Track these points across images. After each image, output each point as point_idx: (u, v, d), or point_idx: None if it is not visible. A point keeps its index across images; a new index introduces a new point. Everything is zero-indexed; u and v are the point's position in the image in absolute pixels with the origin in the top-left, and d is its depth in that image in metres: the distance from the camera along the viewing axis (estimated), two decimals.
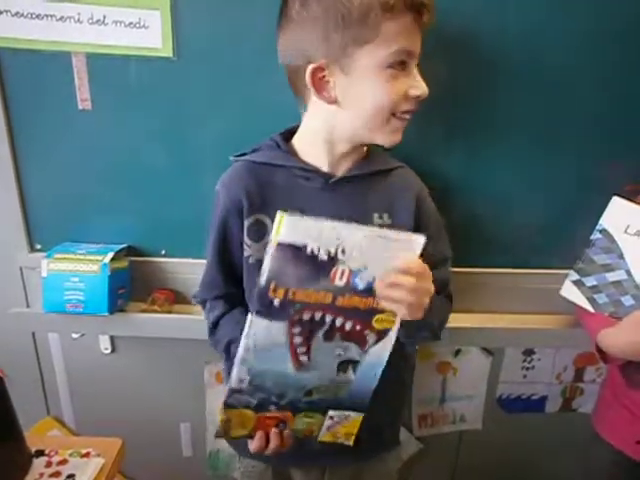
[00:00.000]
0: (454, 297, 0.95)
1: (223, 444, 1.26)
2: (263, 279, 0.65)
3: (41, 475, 0.70)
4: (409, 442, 1.30)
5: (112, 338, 1.21)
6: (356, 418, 0.77)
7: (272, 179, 0.83)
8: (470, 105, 1.01)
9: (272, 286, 0.65)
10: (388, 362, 0.85)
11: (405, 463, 1.31)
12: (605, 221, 0.98)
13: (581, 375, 1.26)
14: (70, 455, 0.74)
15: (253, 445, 0.76)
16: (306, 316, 0.68)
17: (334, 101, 0.76)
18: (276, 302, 0.66)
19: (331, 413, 0.76)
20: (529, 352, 1.24)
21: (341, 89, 0.75)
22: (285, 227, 0.62)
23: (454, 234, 0.98)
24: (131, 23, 0.93)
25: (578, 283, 1.01)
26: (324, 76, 0.75)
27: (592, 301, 0.99)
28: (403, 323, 0.70)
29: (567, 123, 1.03)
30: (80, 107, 1.00)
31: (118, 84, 0.98)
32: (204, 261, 0.97)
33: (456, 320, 1.04)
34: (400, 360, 0.91)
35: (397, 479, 1.03)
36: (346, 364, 0.72)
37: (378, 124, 0.77)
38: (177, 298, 1.13)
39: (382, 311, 0.69)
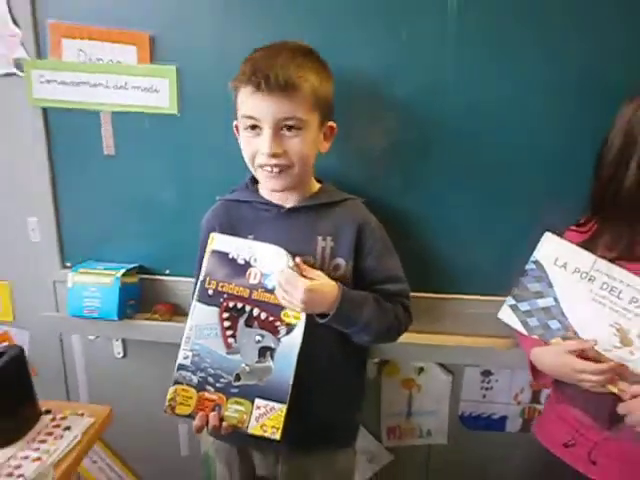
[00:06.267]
0: (420, 318, 1.14)
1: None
2: (202, 275, 0.98)
3: (46, 426, 0.93)
4: (380, 453, 1.43)
5: (124, 343, 1.42)
6: (279, 411, 0.94)
7: (241, 212, 1.07)
8: (429, 156, 1.19)
9: (207, 279, 0.98)
10: (331, 364, 1.04)
11: (377, 474, 1.45)
12: (538, 254, 1.12)
13: (538, 397, 1.36)
14: (69, 414, 0.97)
15: (195, 423, 0.95)
16: (231, 304, 0.97)
17: None
18: (210, 292, 0.97)
19: (257, 402, 0.95)
20: (487, 373, 1.36)
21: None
22: (216, 241, 0.99)
23: (414, 263, 1.16)
24: (146, 88, 1.20)
25: (514, 307, 1.14)
26: (237, 127, 1.02)
27: (525, 324, 1.12)
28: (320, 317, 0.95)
29: (515, 174, 1.18)
30: (105, 152, 1.26)
31: (135, 135, 1.25)
32: None
33: (418, 338, 1.23)
34: (342, 364, 1.08)
35: None
36: (265, 350, 0.96)
37: (254, 171, 1.02)
38: (176, 310, 1.34)
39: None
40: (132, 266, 1.31)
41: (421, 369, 1.37)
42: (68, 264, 1.36)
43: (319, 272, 0.97)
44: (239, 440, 1.09)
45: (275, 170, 0.97)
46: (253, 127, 0.96)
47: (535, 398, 1.37)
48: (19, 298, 1.44)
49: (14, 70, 1.23)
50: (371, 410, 1.41)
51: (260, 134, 0.95)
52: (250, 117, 0.95)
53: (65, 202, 1.32)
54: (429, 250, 1.25)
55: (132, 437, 1.46)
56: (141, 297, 1.33)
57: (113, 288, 1.24)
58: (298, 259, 0.97)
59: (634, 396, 0.94)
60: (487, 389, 1.37)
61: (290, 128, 0.95)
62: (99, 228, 1.34)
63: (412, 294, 1.14)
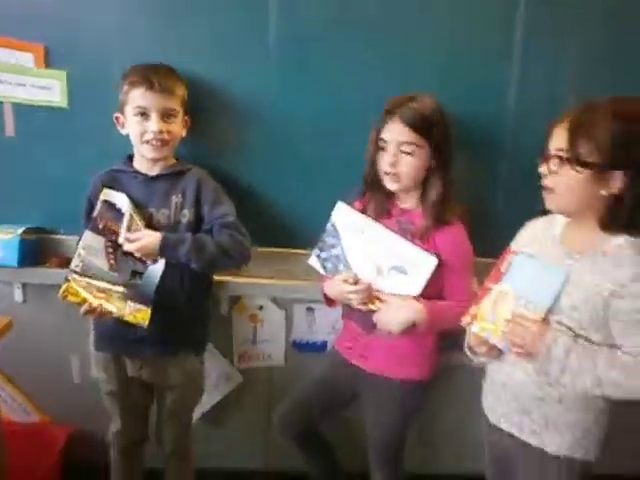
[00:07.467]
0: (261, 266, 1.65)
1: None
2: (95, 212, 1.40)
3: None
4: (234, 374, 1.87)
5: (25, 291, 1.75)
6: (145, 311, 1.37)
7: (119, 178, 1.48)
8: (261, 141, 1.64)
9: (99, 217, 1.39)
10: (182, 287, 1.46)
11: (233, 391, 1.88)
12: (333, 216, 1.59)
13: None
14: None
15: (84, 308, 1.36)
16: (113, 238, 1.38)
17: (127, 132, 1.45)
18: (100, 226, 1.39)
19: (129, 303, 1.38)
20: (310, 309, 1.83)
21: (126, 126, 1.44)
22: (107, 194, 1.42)
23: (254, 223, 1.58)
24: (42, 87, 1.55)
25: (318, 256, 1.60)
26: (118, 118, 1.44)
27: (324, 267, 1.58)
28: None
29: (328, 159, 1.67)
30: (7, 135, 1.61)
31: (30, 122, 1.60)
32: None
33: (258, 281, 1.72)
34: (189, 288, 1.49)
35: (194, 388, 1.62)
36: (135, 273, 1.38)
37: (138, 146, 1.44)
38: (68, 262, 1.68)
39: None
40: (31, 226, 1.66)
41: (261, 307, 1.82)
42: None
43: (145, 231, 1.40)
44: (114, 349, 1.50)
45: (158, 144, 1.41)
46: (142, 114, 1.39)
47: None
48: None
49: None
50: (225, 340, 1.83)
51: (148, 119, 1.39)
52: (142, 107, 1.39)
53: None
54: (265, 212, 1.70)
55: (32, 369, 1.80)
56: (40, 251, 1.69)
57: (13, 242, 1.59)
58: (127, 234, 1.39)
59: (374, 310, 1.45)
60: (312, 321, 1.84)
61: (169, 116, 1.41)
62: (5, 197, 1.67)
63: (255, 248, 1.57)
